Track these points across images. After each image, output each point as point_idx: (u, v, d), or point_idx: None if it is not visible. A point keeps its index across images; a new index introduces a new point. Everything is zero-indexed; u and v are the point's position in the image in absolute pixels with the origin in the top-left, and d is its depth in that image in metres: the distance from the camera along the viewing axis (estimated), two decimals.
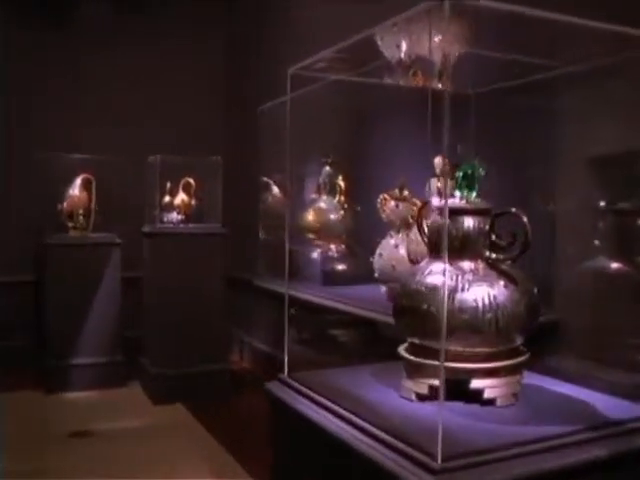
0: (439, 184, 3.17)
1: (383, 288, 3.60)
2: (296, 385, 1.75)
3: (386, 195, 3.68)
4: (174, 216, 5.51)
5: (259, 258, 4.41)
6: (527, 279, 1.58)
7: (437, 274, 1.54)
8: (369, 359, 2.79)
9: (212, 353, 5.44)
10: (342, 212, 4.02)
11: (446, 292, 1.45)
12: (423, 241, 1.76)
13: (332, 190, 4.10)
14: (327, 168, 4.14)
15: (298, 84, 4.13)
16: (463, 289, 1.48)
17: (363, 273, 4.03)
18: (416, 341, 1.59)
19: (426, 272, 1.58)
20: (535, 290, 1.58)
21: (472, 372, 1.51)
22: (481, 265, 1.56)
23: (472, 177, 1.57)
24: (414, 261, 3.14)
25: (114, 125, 6.25)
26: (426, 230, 1.77)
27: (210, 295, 5.42)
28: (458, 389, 1.53)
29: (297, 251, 4.30)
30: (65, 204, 5.85)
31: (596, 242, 2.16)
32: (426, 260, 1.68)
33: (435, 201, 1.73)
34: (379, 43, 3.47)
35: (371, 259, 3.71)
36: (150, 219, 5.62)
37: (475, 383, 1.52)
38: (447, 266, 1.54)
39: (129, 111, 6.36)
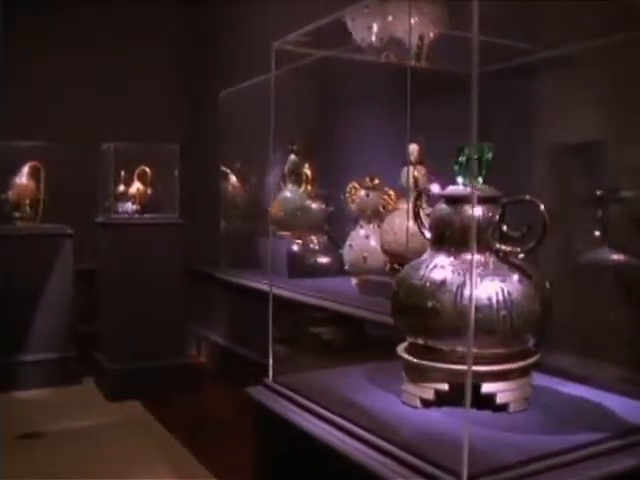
0: (416, 172, 3.05)
1: (354, 280, 3.48)
2: (284, 391, 1.59)
3: (355, 184, 3.56)
4: (129, 206, 5.29)
5: (221, 250, 4.23)
6: (539, 273, 1.46)
7: (443, 268, 1.40)
8: (349, 357, 2.66)
9: (170, 348, 5.26)
10: (308, 202, 3.87)
11: (471, 287, 1.31)
12: (421, 232, 1.62)
13: (298, 179, 3.95)
14: (292, 156, 3.99)
15: (264, 68, 3.96)
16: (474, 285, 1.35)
17: (330, 265, 3.90)
18: (420, 341, 1.45)
19: (430, 266, 1.44)
20: (548, 284, 1.45)
21: (483, 375, 1.38)
22: (491, 258, 1.43)
23: (479, 161, 1.43)
24: (389, 253, 3.02)
25: (65, 111, 5.95)
26: (423, 220, 1.63)
27: (167, 288, 5.22)
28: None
29: (262, 242, 4.15)
30: (11, 193, 5.57)
31: (595, 233, 2.05)
32: (428, 253, 1.54)
33: (435, 188, 1.59)
34: (349, 24, 3.33)
35: (340, 250, 3.59)
36: (104, 209, 5.39)
37: (486, 387, 1.39)
38: (452, 259, 1.41)
39: (81, 97, 6.06)
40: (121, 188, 5.43)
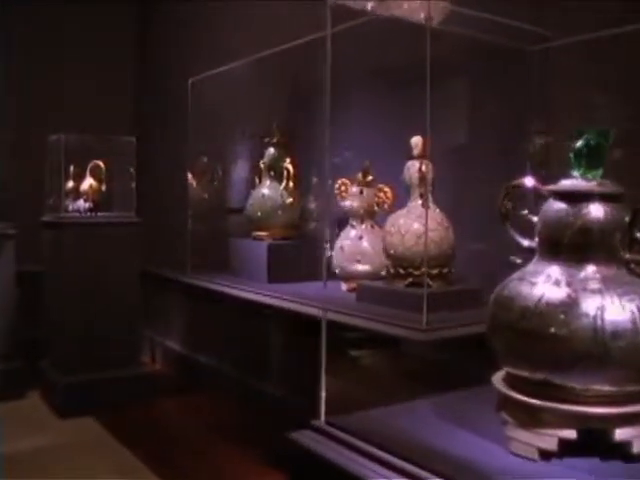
0: (424, 167, 2.76)
1: (344, 286, 3.18)
2: (343, 436, 1.26)
3: (346, 180, 3.25)
4: (81, 204, 4.86)
5: (187, 252, 3.86)
6: None
7: (569, 285, 1.10)
8: (398, 385, 2.36)
9: (125, 357, 4.88)
10: (290, 200, 3.55)
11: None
12: (512, 237, 1.32)
13: (277, 175, 3.62)
14: (271, 149, 3.65)
15: (237, 53, 3.61)
16: (609, 304, 1.06)
17: (313, 268, 3.59)
18: (538, 376, 1.15)
19: (546, 281, 1.14)
20: None
21: (616, 419, 1.10)
22: (620, 271, 1.14)
23: (597, 150, 1.15)
24: (395, 256, 2.72)
25: (9, 99, 5.46)
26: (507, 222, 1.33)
27: (122, 292, 4.84)
28: (590, 440, 1.11)
29: (235, 243, 3.81)
30: None
31: None
32: (534, 264, 1.24)
33: (529, 181, 1.29)
34: None
35: (329, 253, 3.27)
36: (52, 207, 4.94)
37: (621, 433, 1.11)
38: (572, 271, 1.11)
39: (27, 84, 5.57)
40: (70, 184, 5.00)
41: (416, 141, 2.82)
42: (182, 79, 3.97)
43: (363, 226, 3.16)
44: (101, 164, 4.87)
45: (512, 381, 1.21)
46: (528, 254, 1.27)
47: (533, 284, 1.17)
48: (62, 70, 5.75)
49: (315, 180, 3.68)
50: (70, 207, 4.90)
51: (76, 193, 4.96)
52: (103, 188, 4.90)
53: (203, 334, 5.00)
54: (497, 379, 1.24)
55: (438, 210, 2.76)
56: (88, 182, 4.88)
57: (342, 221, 3.62)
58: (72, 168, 4.97)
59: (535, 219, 1.27)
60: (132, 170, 4.96)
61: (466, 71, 2.73)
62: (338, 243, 3.19)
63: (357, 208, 3.16)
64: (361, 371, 2.95)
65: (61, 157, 4.71)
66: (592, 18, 1.94)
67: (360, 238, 3.12)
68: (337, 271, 3.18)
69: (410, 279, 2.72)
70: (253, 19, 4.45)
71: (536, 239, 1.26)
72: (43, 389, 4.98)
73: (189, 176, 3.99)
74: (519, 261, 1.27)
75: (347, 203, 3.21)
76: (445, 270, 2.73)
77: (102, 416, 4.55)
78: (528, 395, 1.17)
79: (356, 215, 3.19)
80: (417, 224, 2.71)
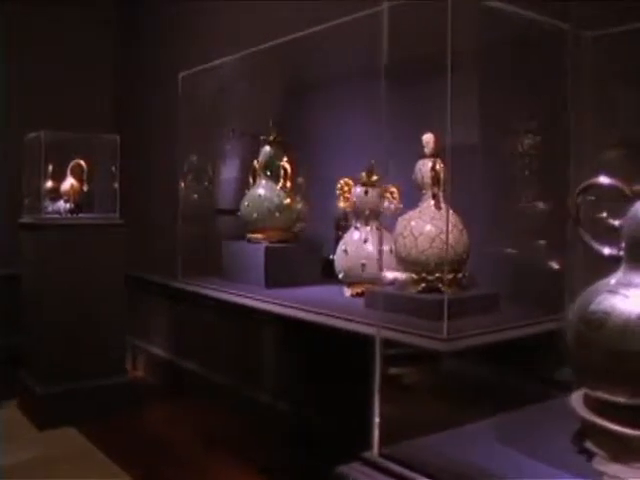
0: (438, 166, 2.62)
1: (347, 291, 3.02)
2: (402, 471, 1.10)
3: (348, 180, 3.10)
4: (61, 205, 4.65)
5: (177, 255, 3.67)
6: None
7: None
8: (445, 405, 2.20)
9: (107, 365, 4.66)
10: (288, 201, 3.38)
11: None
12: (586, 242, 1.17)
13: (274, 174, 3.45)
14: (267, 148, 3.48)
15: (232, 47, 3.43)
16: None
17: (311, 272, 3.43)
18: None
19: None
20: None
21: None
22: None
23: None
24: (408, 261, 2.57)
25: None
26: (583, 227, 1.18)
27: (105, 297, 4.63)
28: None
29: (228, 246, 3.63)
30: None
31: None
32: (623, 273, 1.08)
33: (605, 180, 1.14)
34: None
35: (331, 256, 3.12)
36: (30, 208, 4.72)
37: None
38: None
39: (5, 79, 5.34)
40: (49, 184, 4.77)
41: (428, 138, 2.68)
42: (168, 74, 3.77)
43: (368, 228, 3.00)
44: (82, 163, 4.65)
45: (599, 406, 1.06)
46: (612, 263, 1.11)
47: (627, 297, 1.02)
48: (36, 66, 5.51)
49: (308, 179, 3.50)
50: (50, 208, 4.68)
51: (55, 193, 4.74)
52: (85, 188, 4.68)
53: (191, 340, 4.81)
54: (578, 403, 1.09)
55: (451, 211, 2.62)
56: (69, 182, 4.66)
57: (339, 223, 3.48)
58: (50, 167, 4.75)
59: (617, 223, 1.12)
60: (114, 169, 4.75)
61: (494, 58, 2.58)
62: (341, 246, 3.03)
63: (361, 209, 3.00)
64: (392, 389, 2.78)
65: (41, 155, 4.48)
66: None
67: (365, 241, 2.96)
68: (341, 276, 3.02)
69: (423, 284, 2.57)
70: (245, 12, 4.28)
71: (622, 246, 1.11)
72: (21, 399, 4.75)
73: (179, 175, 3.80)
74: None
75: (349, 203, 3.06)
76: (460, 275, 2.59)
77: (84, 427, 4.35)
78: (621, 423, 1.01)
79: (360, 217, 3.03)
80: (430, 226, 2.56)
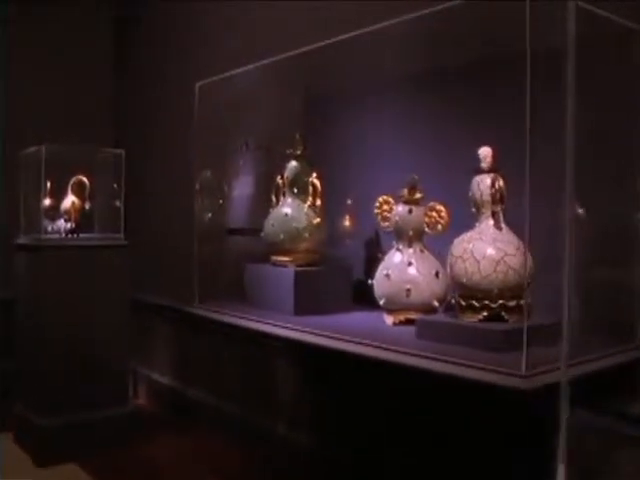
0: (500, 183, 2.39)
1: (389, 319, 2.78)
2: None
3: (388, 197, 2.86)
4: (61, 224, 4.36)
5: (195, 278, 3.41)
6: None
7: None
8: None
9: (111, 395, 4.39)
10: (318, 220, 3.14)
11: None
12: None
13: (300, 191, 3.21)
14: (294, 163, 3.24)
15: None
16: None
17: (341, 299, 3.18)
18: None
19: None
20: None
21: None
22: None
23: None
24: (468, 287, 2.33)
25: None
26: None
27: (108, 323, 4.35)
28: None
29: (251, 270, 3.37)
30: None
31: None
32: None
33: None
34: None
35: (370, 281, 2.87)
36: (28, 228, 4.43)
37: None
38: None
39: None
40: (46, 202, 4.49)
41: (485, 152, 2.45)
42: (174, 84, 3.52)
43: (411, 250, 2.76)
44: (84, 179, 4.38)
45: None
46: None
47: None
48: (34, 77, 5.25)
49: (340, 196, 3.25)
50: (49, 228, 4.40)
51: (55, 212, 4.45)
52: (87, 206, 4.40)
53: (205, 370, 4.53)
54: None
55: (512, 232, 2.39)
56: (70, 200, 4.39)
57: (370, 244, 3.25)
58: (49, 184, 4.46)
59: None
60: (116, 186, 4.48)
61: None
62: (382, 270, 2.79)
63: (404, 229, 2.76)
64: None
65: (41, 171, 4.19)
66: None
67: (409, 264, 2.72)
68: (382, 302, 2.78)
69: (485, 312, 2.33)
70: (258, 19, 4.05)
71: None
72: (17, 432, 4.44)
73: (195, 192, 3.54)
74: None
75: (390, 223, 2.82)
76: (522, 301, 2.35)
77: (87, 462, 4.05)
78: None
79: (401, 237, 2.79)
80: (492, 249, 2.33)
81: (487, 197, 2.40)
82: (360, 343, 2.48)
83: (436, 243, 2.73)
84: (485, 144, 2.46)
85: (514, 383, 1.94)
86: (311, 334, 2.70)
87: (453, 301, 2.44)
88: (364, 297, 3.10)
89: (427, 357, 2.22)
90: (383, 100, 3.25)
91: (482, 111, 2.76)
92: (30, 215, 4.44)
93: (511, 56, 2.66)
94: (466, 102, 2.83)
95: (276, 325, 2.87)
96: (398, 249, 2.78)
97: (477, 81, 2.81)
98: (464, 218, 2.56)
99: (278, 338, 2.87)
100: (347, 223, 3.23)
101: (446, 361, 2.17)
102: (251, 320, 3.00)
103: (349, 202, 3.22)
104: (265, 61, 3.30)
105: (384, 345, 2.40)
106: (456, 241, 2.43)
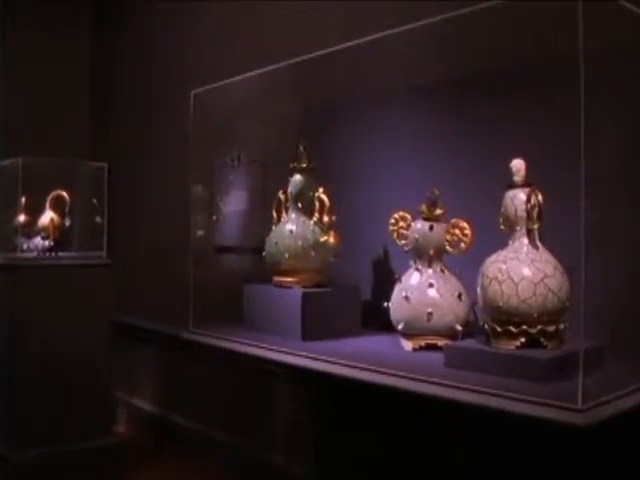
0: (537, 198, 2.21)
1: (407, 344, 2.57)
2: None
3: (405, 214, 2.67)
4: (38, 242, 4.09)
5: (190, 300, 3.17)
6: None
7: None
8: None
9: (92, 425, 4.10)
10: (325, 238, 2.92)
11: None
12: None
13: (305, 207, 2.99)
14: (298, 176, 3.03)
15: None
16: None
17: (350, 322, 2.97)
18: None
19: None
20: None
21: None
22: None
23: None
24: (503, 310, 2.14)
25: None
26: None
27: (89, 347, 4.09)
28: None
29: (251, 291, 3.14)
30: None
31: None
32: None
33: None
34: None
35: (386, 304, 2.66)
36: (1, 245, 4.16)
37: None
38: None
39: None
40: (21, 218, 4.23)
41: (518, 165, 2.26)
42: (164, 96, 3.30)
43: (430, 270, 2.56)
44: (64, 194, 4.11)
45: None
46: None
47: None
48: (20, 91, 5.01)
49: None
50: (25, 246, 4.12)
51: (31, 229, 4.18)
52: (66, 223, 4.14)
53: (200, 400, 4.26)
54: None
55: (548, 251, 2.21)
56: (48, 216, 4.12)
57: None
58: (23, 199, 4.20)
59: None
60: (97, 202, 4.23)
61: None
62: (400, 292, 2.58)
63: (425, 248, 2.57)
64: None
65: (18, 185, 3.94)
66: None
67: (431, 286, 2.52)
68: (400, 326, 2.57)
69: (522, 338, 2.13)
70: (254, 26, 3.86)
71: None
72: None
73: (191, 208, 3.31)
74: None
75: (408, 241, 2.63)
76: (561, 326, 2.16)
77: None
78: None
79: (420, 256, 2.59)
80: (529, 269, 2.13)
81: (522, 213, 2.21)
82: (385, 373, 2.26)
83: (452, 262, 2.56)
84: (499, 157, 2.30)
85: (570, 418, 1.74)
86: (324, 362, 2.47)
87: (486, 326, 2.23)
88: (372, 320, 2.92)
89: (465, 389, 2.01)
90: (386, 112, 3.09)
91: (498, 124, 2.63)
92: (4, 232, 4.16)
93: (524, 66, 2.52)
94: (481, 113, 2.68)
95: (281, 352, 2.65)
96: (417, 269, 2.58)
97: (493, 90, 2.67)
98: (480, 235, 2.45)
99: (292, 367, 2.63)
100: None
101: (487, 393, 1.97)
102: (254, 346, 2.77)
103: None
104: (266, 68, 3.10)
105: (406, 374, 2.19)
106: (488, 261, 2.23)
